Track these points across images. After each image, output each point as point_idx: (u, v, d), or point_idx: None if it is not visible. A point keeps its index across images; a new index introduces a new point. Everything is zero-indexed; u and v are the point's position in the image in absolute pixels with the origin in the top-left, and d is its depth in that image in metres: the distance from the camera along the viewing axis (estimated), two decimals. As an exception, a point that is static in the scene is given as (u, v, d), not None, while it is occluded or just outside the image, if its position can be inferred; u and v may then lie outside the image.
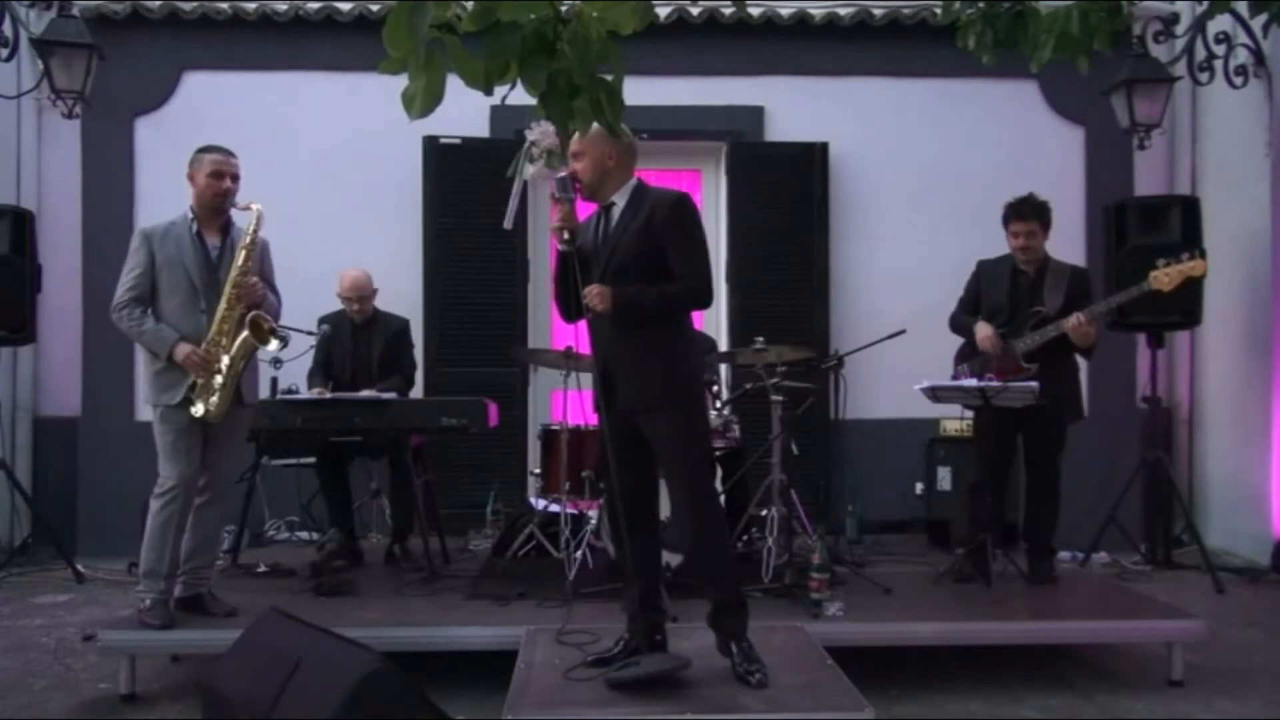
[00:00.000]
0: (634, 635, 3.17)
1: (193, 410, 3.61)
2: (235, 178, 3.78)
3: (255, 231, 3.74)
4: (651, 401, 3.12)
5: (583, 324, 3.24)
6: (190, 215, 3.77)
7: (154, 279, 3.69)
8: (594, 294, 3.11)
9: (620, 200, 3.23)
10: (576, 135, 3.15)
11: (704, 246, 3.22)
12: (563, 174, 3.18)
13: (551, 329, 6.33)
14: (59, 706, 3.45)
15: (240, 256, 3.70)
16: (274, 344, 3.78)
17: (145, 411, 5.75)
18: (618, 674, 2.99)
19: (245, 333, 3.68)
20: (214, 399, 3.62)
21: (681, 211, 3.19)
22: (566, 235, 3.13)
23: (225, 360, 3.64)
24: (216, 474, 3.80)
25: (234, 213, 3.84)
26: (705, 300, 3.24)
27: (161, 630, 3.54)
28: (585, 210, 3.33)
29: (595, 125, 3.10)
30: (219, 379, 3.63)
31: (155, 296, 3.70)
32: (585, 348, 3.31)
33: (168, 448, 3.65)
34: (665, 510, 3.50)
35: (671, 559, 3.96)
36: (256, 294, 3.74)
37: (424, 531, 4.57)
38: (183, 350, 3.60)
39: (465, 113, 4.85)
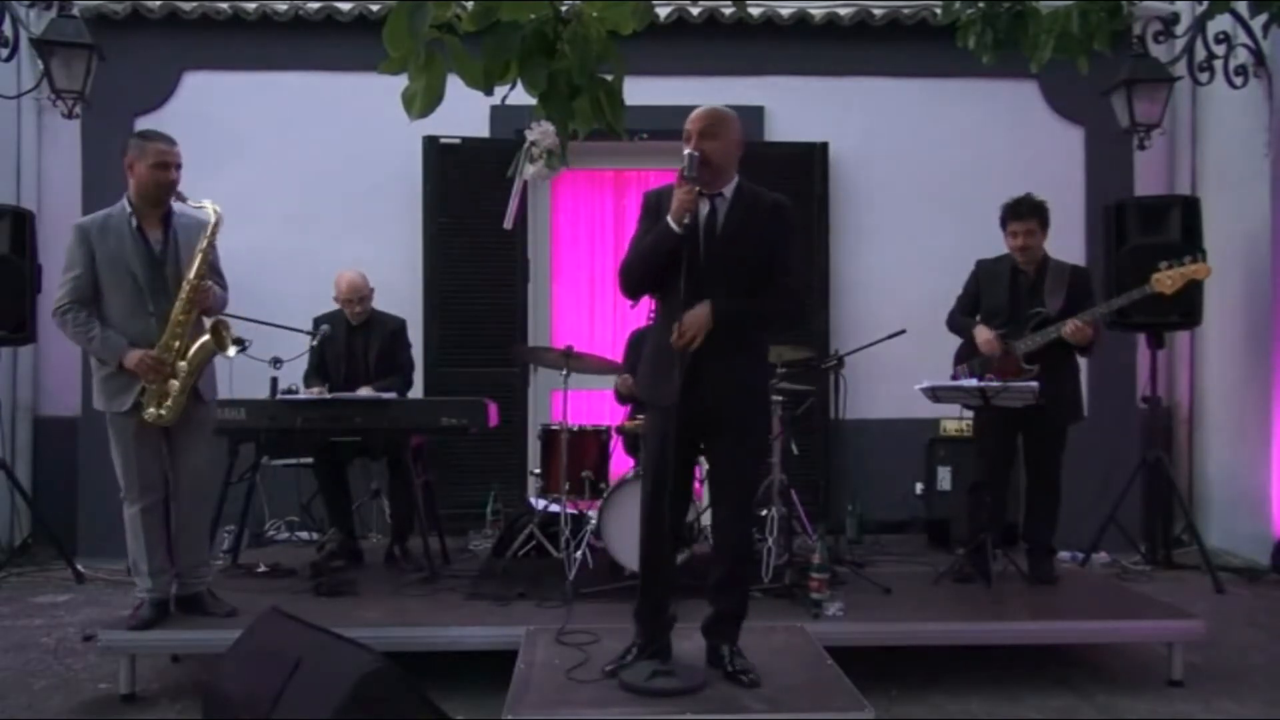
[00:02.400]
0: (643, 639, 3.15)
1: (145, 415, 3.53)
2: (179, 167, 3.62)
3: (213, 236, 3.58)
4: (745, 408, 3.07)
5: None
6: (129, 208, 3.59)
7: (95, 278, 3.54)
8: (688, 323, 2.92)
9: (728, 193, 3.09)
10: (702, 111, 3.04)
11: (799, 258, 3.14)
12: (690, 150, 2.97)
13: (551, 329, 6.33)
14: (59, 706, 3.45)
15: (197, 260, 3.56)
16: (232, 350, 3.65)
17: (145, 411, 5.83)
18: (648, 683, 2.94)
19: (206, 337, 3.57)
20: (168, 403, 3.54)
21: (791, 217, 3.14)
22: (687, 219, 2.94)
23: (182, 365, 3.54)
24: (182, 474, 3.72)
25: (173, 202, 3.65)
26: (798, 312, 3.19)
27: (138, 629, 3.52)
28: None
29: (724, 107, 3.07)
30: (174, 384, 3.54)
31: (98, 297, 3.56)
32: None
33: (121, 453, 3.59)
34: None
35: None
36: (210, 298, 3.62)
37: (424, 531, 4.57)
38: (134, 356, 3.48)
39: (465, 113, 4.84)
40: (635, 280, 3.14)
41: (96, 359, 3.60)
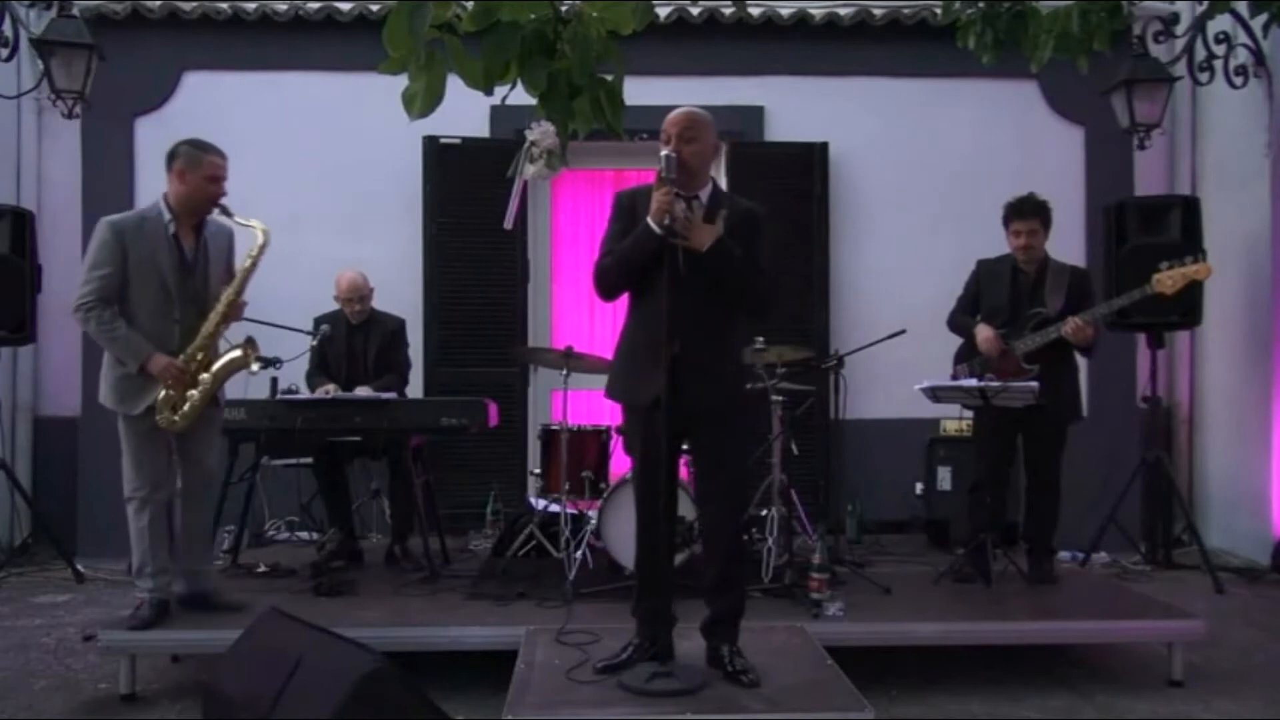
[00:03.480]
0: (643, 639, 3.15)
1: (158, 419, 3.53)
2: (225, 179, 3.67)
3: (259, 256, 3.64)
4: (725, 406, 3.08)
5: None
6: (168, 214, 3.59)
7: (124, 278, 3.52)
8: (706, 230, 2.95)
9: (704, 197, 3.12)
10: (681, 114, 3.06)
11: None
12: (668, 152, 2.98)
13: (551, 329, 6.33)
14: (59, 706, 3.45)
15: (239, 278, 3.63)
16: (255, 366, 3.71)
17: (145, 411, 5.83)
18: (647, 685, 2.93)
19: (237, 353, 3.62)
20: (185, 409, 3.56)
21: (763, 223, 3.17)
22: (667, 220, 2.94)
23: (205, 377, 3.57)
24: (193, 473, 3.73)
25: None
26: (772, 305, 3.19)
27: (138, 629, 3.51)
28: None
29: (702, 111, 3.08)
30: (195, 393, 3.56)
31: (123, 297, 3.54)
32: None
33: (131, 453, 3.58)
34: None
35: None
36: (242, 315, 3.70)
37: (424, 531, 4.57)
38: (159, 362, 3.49)
39: (465, 113, 4.85)
40: (613, 281, 3.16)
41: (115, 359, 3.58)
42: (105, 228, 3.55)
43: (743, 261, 3.04)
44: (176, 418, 3.55)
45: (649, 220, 2.98)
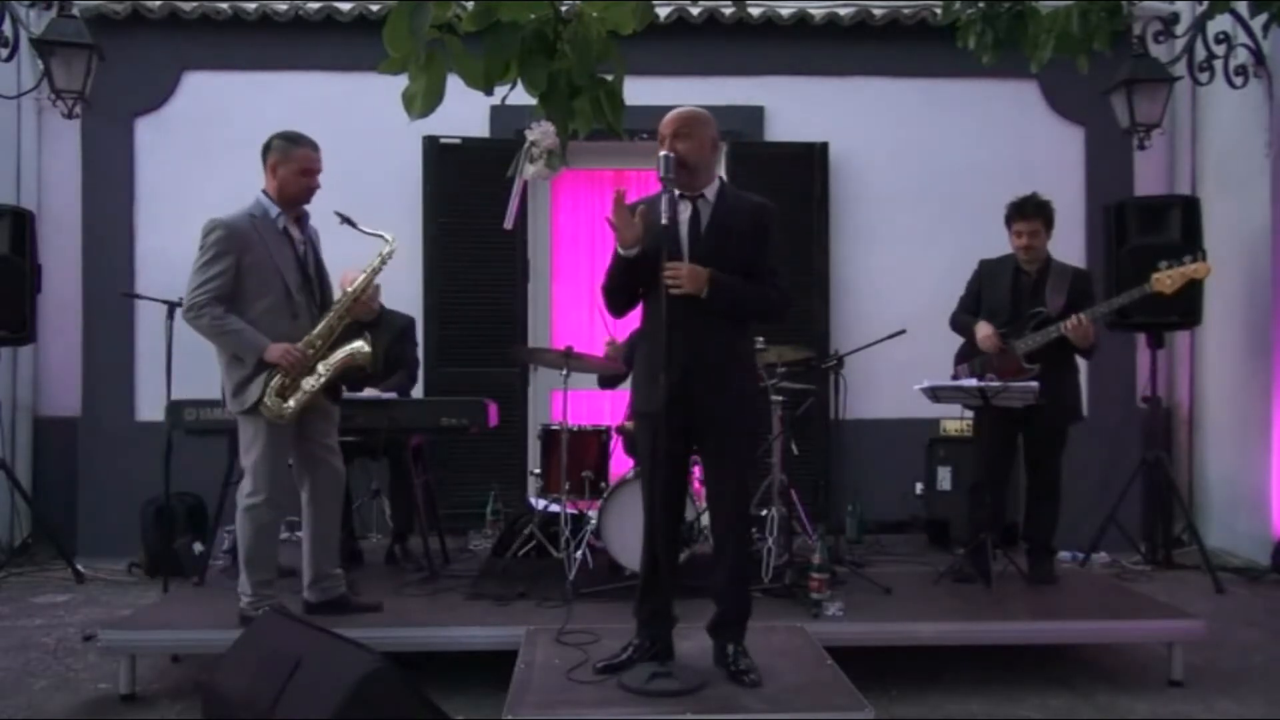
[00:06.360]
0: (644, 640, 3.15)
1: (265, 405, 3.41)
2: (320, 172, 3.64)
3: (388, 257, 3.71)
4: (734, 411, 3.07)
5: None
6: (276, 209, 3.55)
7: (236, 279, 3.44)
8: (685, 273, 2.93)
9: (710, 195, 3.09)
10: (674, 114, 3.06)
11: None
12: (664, 153, 2.97)
13: (551, 329, 6.33)
14: (59, 706, 3.45)
15: (360, 279, 3.66)
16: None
17: (145, 411, 5.86)
18: (647, 685, 2.93)
19: (366, 348, 3.60)
20: (297, 397, 3.46)
21: (773, 219, 3.14)
22: (634, 251, 2.96)
23: (324, 366, 3.53)
24: (319, 475, 3.69)
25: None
26: (785, 309, 3.17)
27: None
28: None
29: (699, 109, 3.09)
30: (311, 380, 3.49)
31: (236, 297, 3.46)
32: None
33: (264, 452, 3.48)
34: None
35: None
36: (365, 313, 3.78)
37: (424, 531, 4.57)
38: (277, 350, 3.41)
39: (465, 113, 4.85)
40: (611, 301, 3.20)
41: (229, 357, 3.48)
42: (219, 227, 3.46)
43: (743, 288, 3.03)
44: (288, 405, 3.45)
45: (618, 248, 3.02)
